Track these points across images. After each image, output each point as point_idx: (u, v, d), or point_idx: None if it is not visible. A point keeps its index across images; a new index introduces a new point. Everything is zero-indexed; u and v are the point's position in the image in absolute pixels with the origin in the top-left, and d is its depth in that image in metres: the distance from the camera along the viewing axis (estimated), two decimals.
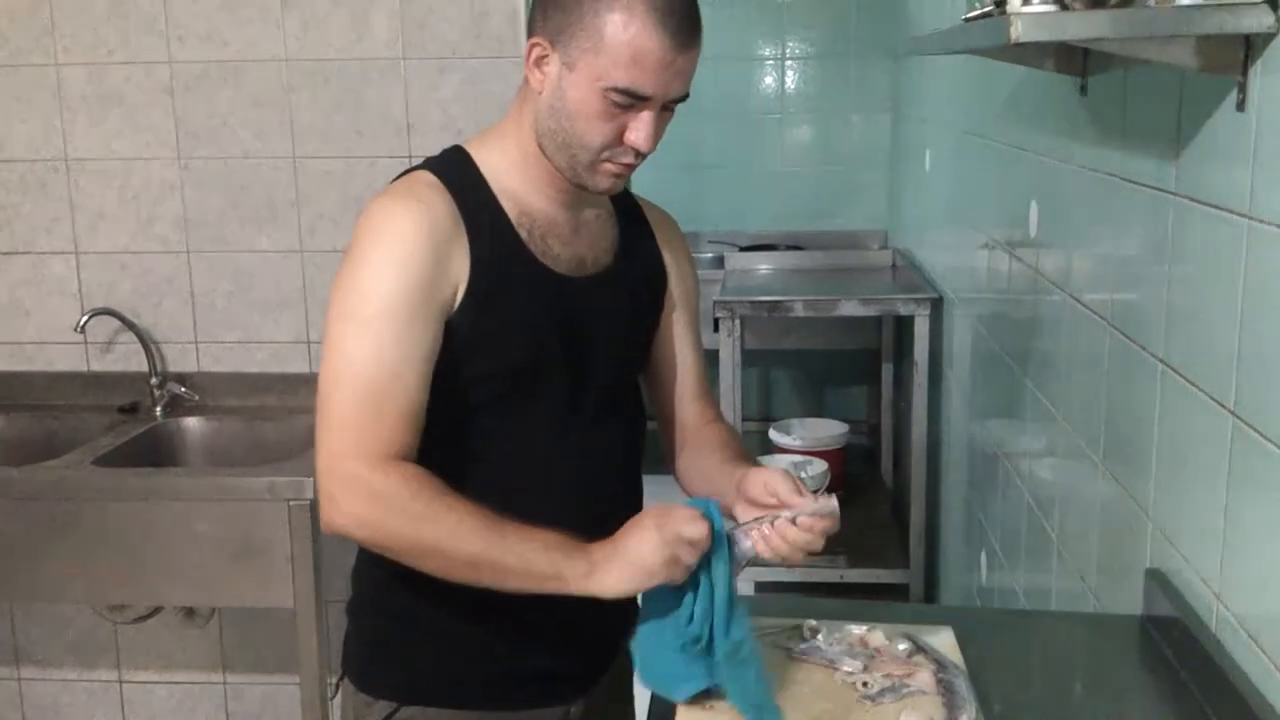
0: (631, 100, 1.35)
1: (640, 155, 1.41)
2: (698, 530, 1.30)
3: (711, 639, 1.31)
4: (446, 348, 1.40)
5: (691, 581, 1.32)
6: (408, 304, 1.36)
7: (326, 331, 1.38)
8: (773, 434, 4.06)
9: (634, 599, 1.67)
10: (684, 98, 1.40)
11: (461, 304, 1.40)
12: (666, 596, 1.34)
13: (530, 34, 1.41)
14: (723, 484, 1.48)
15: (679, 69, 1.36)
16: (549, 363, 1.48)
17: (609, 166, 1.42)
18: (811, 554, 1.37)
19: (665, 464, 1.68)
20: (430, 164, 1.48)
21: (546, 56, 1.39)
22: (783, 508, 1.36)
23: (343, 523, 1.34)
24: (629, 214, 1.62)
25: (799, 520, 1.34)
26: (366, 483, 1.33)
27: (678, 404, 1.66)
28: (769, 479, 1.39)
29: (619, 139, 1.39)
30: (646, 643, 1.36)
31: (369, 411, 1.34)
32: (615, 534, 1.33)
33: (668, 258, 1.64)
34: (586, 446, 1.53)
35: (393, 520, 1.33)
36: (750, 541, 1.36)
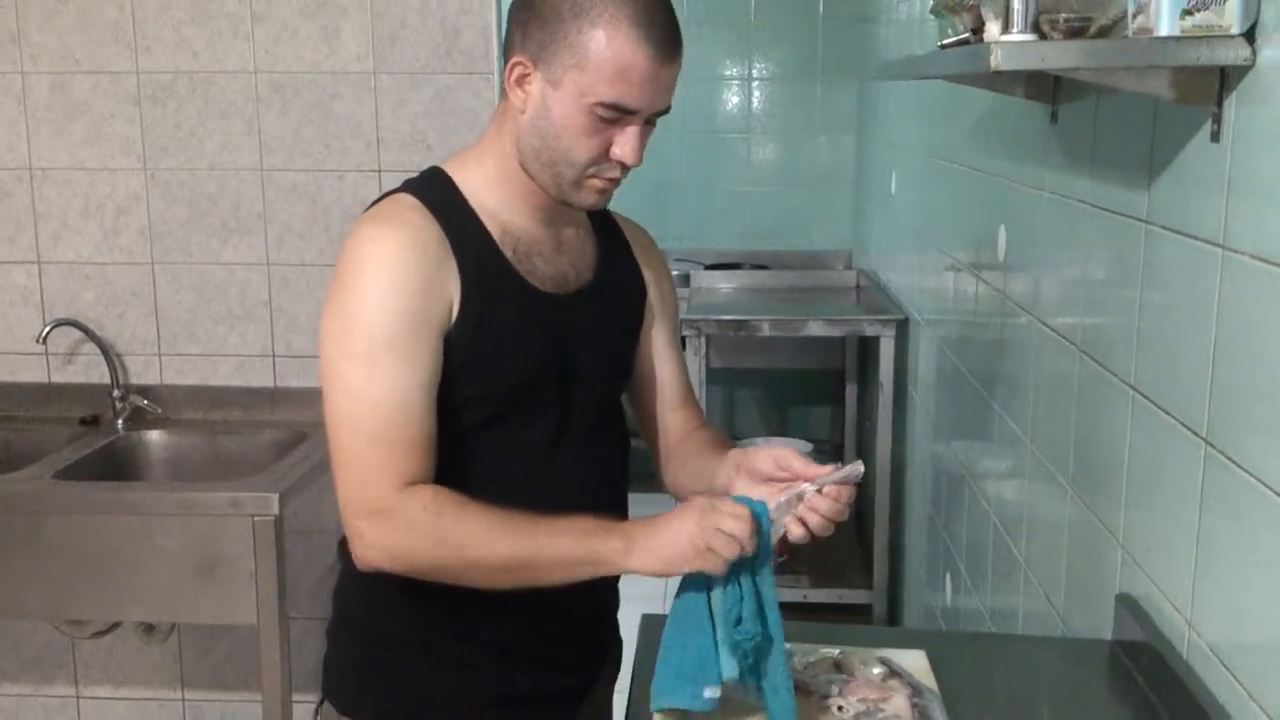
0: (618, 115, 1.36)
1: (626, 169, 1.41)
2: (739, 527, 1.28)
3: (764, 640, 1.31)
4: (442, 368, 1.40)
5: (733, 583, 1.31)
6: (406, 329, 1.35)
7: (326, 368, 1.37)
8: None
9: (616, 625, 1.68)
10: (667, 110, 1.41)
11: (456, 323, 1.40)
12: (697, 602, 1.32)
13: (509, 53, 1.40)
14: (716, 468, 1.48)
15: (664, 82, 1.37)
16: (540, 382, 1.48)
17: (595, 182, 1.42)
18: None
19: (653, 478, 1.68)
20: (410, 186, 1.47)
21: (529, 75, 1.38)
22: (796, 480, 1.36)
23: (375, 558, 1.35)
24: (606, 230, 1.62)
25: (825, 490, 1.34)
26: (389, 514, 1.34)
27: (662, 414, 1.66)
28: (778, 454, 1.39)
29: (605, 154, 1.39)
30: (670, 655, 1.33)
31: (381, 444, 1.34)
32: (653, 517, 1.33)
33: (646, 271, 1.65)
34: (578, 465, 1.52)
35: (422, 545, 1.34)
36: (782, 523, 1.34)
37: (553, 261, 1.50)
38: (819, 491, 1.34)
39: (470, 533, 1.33)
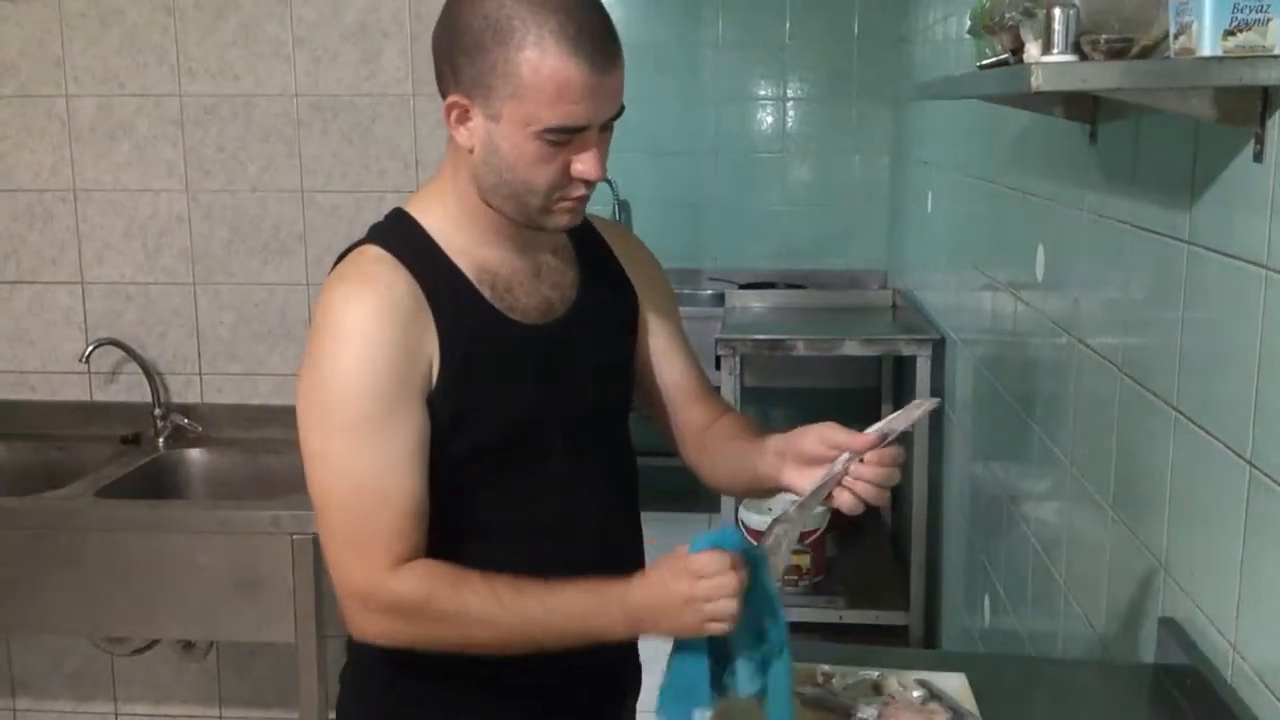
0: (568, 136, 1.29)
1: (591, 184, 1.35)
2: (724, 584, 1.22)
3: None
4: (433, 427, 1.35)
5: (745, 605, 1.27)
6: (383, 400, 1.30)
7: (306, 443, 1.33)
8: None
9: (636, 655, 1.64)
10: (620, 113, 1.34)
11: (439, 380, 1.35)
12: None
13: (444, 92, 1.33)
14: (757, 458, 1.42)
15: (606, 90, 1.29)
16: (541, 418, 1.43)
17: (563, 204, 1.35)
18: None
19: (669, 497, 1.65)
20: (376, 236, 1.41)
21: (468, 111, 1.32)
22: (840, 455, 1.32)
23: (371, 637, 1.34)
24: (585, 241, 1.55)
25: (867, 456, 1.30)
26: (380, 598, 1.30)
27: (681, 411, 1.59)
28: (823, 432, 1.34)
29: (565, 175, 1.32)
30: (669, 675, 1.31)
31: (367, 523, 1.30)
32: (649, 575, 1.27)
33: (632, 272, 1.58)
34: (594, 492, 1.49)
35: (414, 628, 1.31)
36: (815, 505, 1.31)
37: (533, 290, 1.44)
38: (861, 460, 1.30)
39: (466, 615, 1.29)
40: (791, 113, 5.12)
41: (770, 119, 5.13)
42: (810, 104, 5.10)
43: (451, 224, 1.41)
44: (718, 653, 1.29)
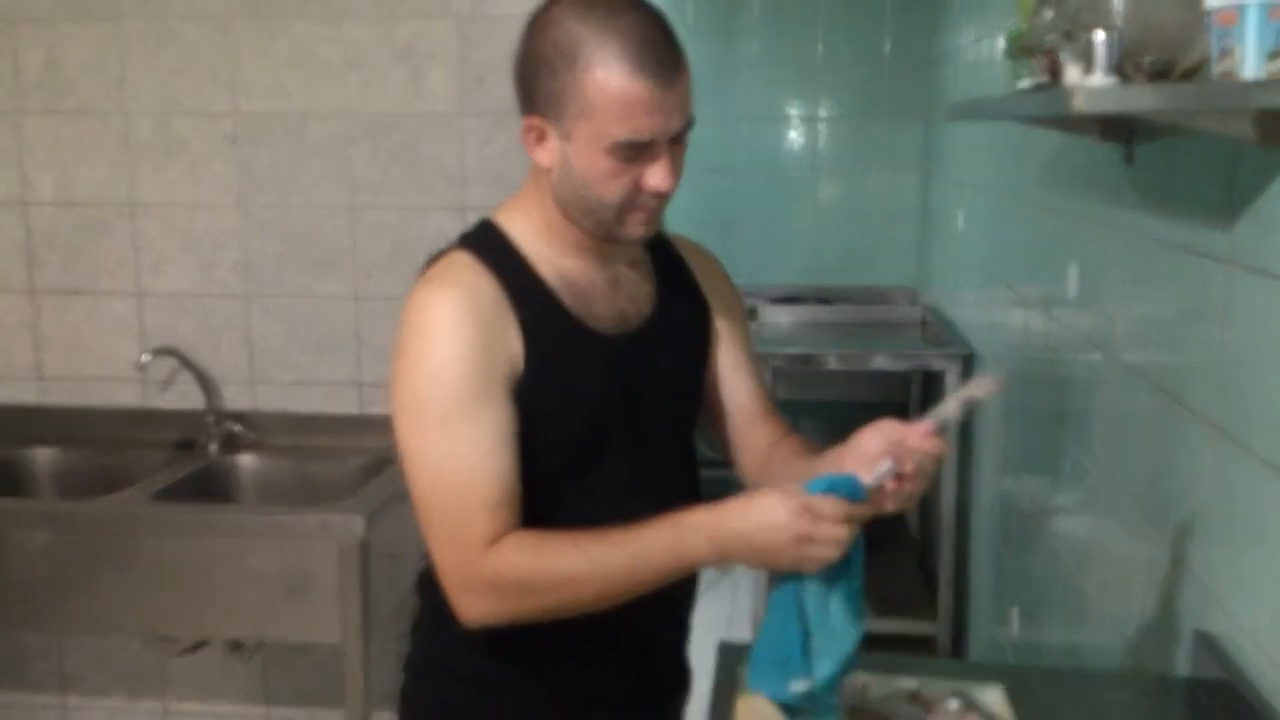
0: (637, 150, 1.35)
1: (665, 195, 1.40)
2: (840, 532, 1.26)
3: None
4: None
5: (835, 589, 1.31)
6: (473, 393, 1.37)
7: (401, 441, 1.39)
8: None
9: (687, 657, 1.68)
10: (689, 126, 1.39)
11: (522, 378, 1.41)
12: (791, 591, 1.32)
13: (523, 115, 1.41)
14: (818, 470, 1.42)
15: (672, 104, 1.35)
16: (610, 428, 1.48)
17: (637, 215, 1.41)
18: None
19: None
20: (466, 242, 1.48)
21: (545, 133, 1.39)
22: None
23: (478, 618, 1.39)
24: (664, 258, 1.60)
25: (919, 443, 1.32)
26: (478, 580, 1.36)
27: (743, 430, 1.64)
28: (883, 428, 1.36)
29: (637, 189, 1.38)
30: (766, 640, 1.34)
31: (463, 513, 1.36)
32: (748, 506, 1.30)
33: (708, 290, 1.63)
34: (654, 504, 1.48)
35: (515, 602, 1.37)
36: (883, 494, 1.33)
37: (610, 301, 1.50)
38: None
39: (560, 579, 1.35)
40: (823, 131, 5.17)
41: (801, 138, 5.18)
42: (841, 123, 5.15)
43: (534, 234, 1.47)
44: (804, 626, 1.32)
